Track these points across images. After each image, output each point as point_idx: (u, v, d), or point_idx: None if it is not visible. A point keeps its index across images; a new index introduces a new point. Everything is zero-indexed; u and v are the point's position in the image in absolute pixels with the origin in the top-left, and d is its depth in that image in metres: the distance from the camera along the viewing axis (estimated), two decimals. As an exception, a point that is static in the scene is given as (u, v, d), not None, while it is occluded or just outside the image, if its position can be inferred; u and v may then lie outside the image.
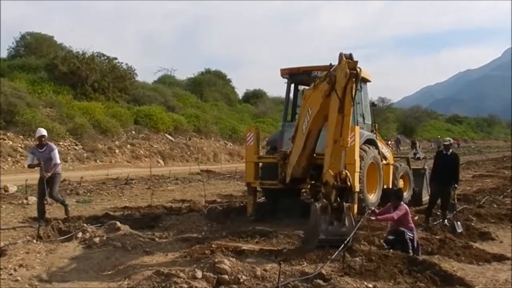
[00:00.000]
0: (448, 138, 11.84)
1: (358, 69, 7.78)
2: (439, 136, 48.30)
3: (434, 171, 11.07)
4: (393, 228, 8.21)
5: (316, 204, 7.96)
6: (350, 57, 7.81)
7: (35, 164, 9.87)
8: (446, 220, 10.46)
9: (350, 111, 7.86)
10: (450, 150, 10.96)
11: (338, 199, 7.70)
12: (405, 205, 8.25)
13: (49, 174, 9.75)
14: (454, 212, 10.37)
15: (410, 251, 7.66)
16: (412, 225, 8.14)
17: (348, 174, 7.87)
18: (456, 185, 10.72)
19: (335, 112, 7.88)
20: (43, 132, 10.04)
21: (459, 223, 9.86)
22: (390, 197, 8.58)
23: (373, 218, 8.15)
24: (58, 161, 10.05)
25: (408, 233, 7.87)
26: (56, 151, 10.03)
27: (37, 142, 10.11)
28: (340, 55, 7.86)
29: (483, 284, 6.38)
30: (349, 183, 7.74)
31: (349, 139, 7.96)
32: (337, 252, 6.86)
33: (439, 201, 10.85)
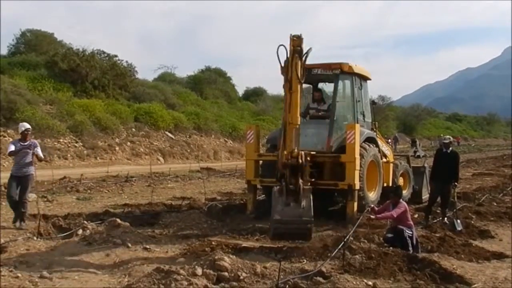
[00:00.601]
0: (448, 136, 11.83)
1: (307, 48, 7.80)
2: (441, 135, 48.31)
3: (434, 169, 11.08)
4: (392, 226, 8.23)
5: (275, 187, 7.72)
6: (297, 36, 7.81)
7: (17, 151, 9.33)
8: (446, 218, 10.48)
9: (297, 87, 7.76)
10: (450, 148, 10.98)
11: (296, 180, 7.40)
12: (404, 203, 8.27)
13: (41, 156, 9.67)
14: (454, 210, 10.38)
15: (410, 248, 7.68)
16: (411, 222, 8.16)
17: (302, 152, 7.61)
18: (456, 183, 10.73)
19: (287, 93, 7.85)
20: (28, 125, 9.73)
21: (458, 221, 9.88)
22: (390, 194, 8.59)
23: (373, 216, 8.17)
24: (42, 155, 9.88)
25: (407, 231, 7.89)
26: (39, 147, 9.73)
27: (20, 137, 9.67)
28: (290, 36, 7.87)
29: (483, 281, 6.40)
30: (300, 160, 7.45)
31: (297, 117, 7.67)
32: (336, 250, 6.88)
33: (439, 199, 10.87)
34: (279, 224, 7.35)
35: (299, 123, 7.79)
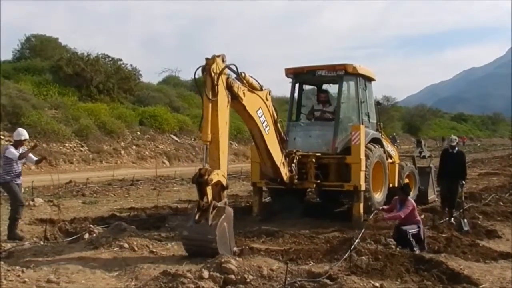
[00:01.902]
0: (454, 137, 11.87)
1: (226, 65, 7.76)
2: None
3: (441, 169, 11.13)
4: (397, 225, 8.23)
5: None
6: (212, 57, 7.67)
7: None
8: (452, 218, 10.46)
9: (207, 104, 7.49)
10: (456, 148, 11.01)
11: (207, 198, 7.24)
12: (412, 201, 8.26)
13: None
14: (461, 210, 10.36)
15: (415, 248, 7.69)
16: (419, 218, 8.20)
17: (209, 168, 7.31)
18: (463, 182, 10.76)
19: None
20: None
21: (465, 221, 9.85)
22: (397, 191, 8.58)
23: (381, 217, 8.17)
24: None
25: (411, 231, 7.90)
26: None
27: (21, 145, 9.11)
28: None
29: (490, 282, 6.37)
30: (206, 177, 7.12)
31: (206, 134, 7.41)
32: (346, 255, 6.87)
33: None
34: (186, 240, 7.33)
35: (208, 139, 7.49)
